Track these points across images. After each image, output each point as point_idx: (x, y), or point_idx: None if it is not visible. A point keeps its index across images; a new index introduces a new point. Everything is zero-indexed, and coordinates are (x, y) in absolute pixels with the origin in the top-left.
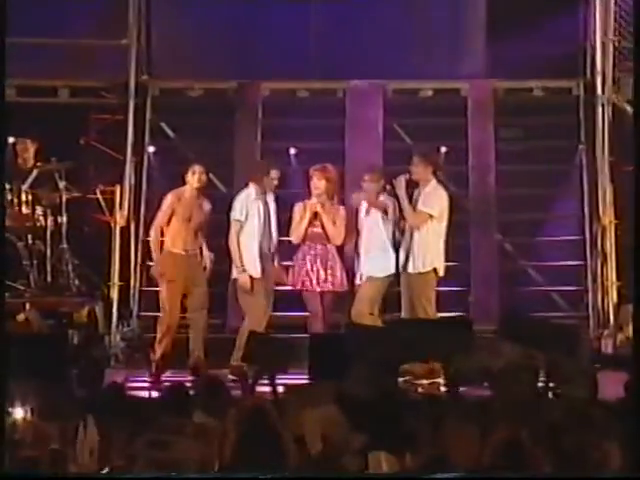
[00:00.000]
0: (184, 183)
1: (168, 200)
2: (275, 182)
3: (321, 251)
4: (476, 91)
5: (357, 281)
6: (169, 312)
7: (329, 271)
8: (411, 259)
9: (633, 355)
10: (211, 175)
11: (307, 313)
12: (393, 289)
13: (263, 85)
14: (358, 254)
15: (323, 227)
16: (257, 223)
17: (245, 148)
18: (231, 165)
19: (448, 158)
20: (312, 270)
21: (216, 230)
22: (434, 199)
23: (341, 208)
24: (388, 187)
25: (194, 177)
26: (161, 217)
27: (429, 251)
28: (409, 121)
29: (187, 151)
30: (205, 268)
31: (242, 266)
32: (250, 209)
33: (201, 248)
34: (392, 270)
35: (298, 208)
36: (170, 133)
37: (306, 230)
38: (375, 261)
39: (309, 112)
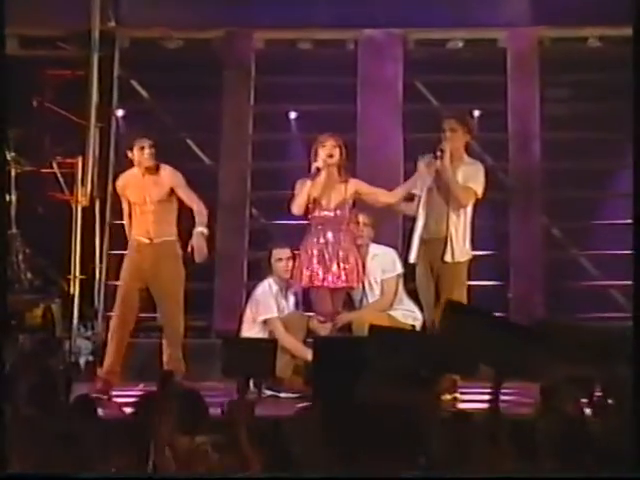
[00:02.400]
0: (131, 164)
1: (117, 189)
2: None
3: (333, 238)
4: (517, 41)
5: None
6: (119, 307)
7: (342, 264)
8: (449, 246)
9: (633, 355)
10: (192, 143)
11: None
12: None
13: (256, 34)
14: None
15: (335, 209)
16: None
17: (235, 112)
18: (217, 132)
19: (482, 124)
20: (321, 262)
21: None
22: (477, 174)
23: (356, 182)
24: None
25: (143, 154)
26: (125, 208)
27: (468, 236)
28: (435, 79)
29: (164, 115)
30: (190, 258)
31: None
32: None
33: (181, 236)
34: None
35: (301, 182)
36: (143, 93)
37: (313, 208)
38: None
39: (313, 68)
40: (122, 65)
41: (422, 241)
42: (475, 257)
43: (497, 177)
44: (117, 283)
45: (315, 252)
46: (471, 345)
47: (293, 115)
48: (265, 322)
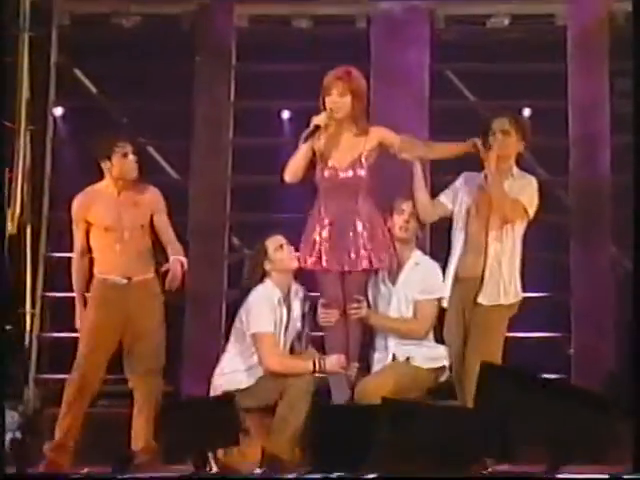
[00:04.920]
0: (101, 175)
1: (73, 210)
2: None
3: (347, 207)
4: (581, 17)
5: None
6: (83, 368)
7: (362, 240)
8: (490, 283)
9: (633, 354)
10: (154, 152)
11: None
12: None
13: (238, 9)
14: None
15: (350, 167)
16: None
17: (210, 110)
18: (187, 137)
19: (534, 126)
20: (328, 239)
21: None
22: (528, 189)
23: (378, 130)
24: None
25: (126, 164)
26: (76, 241)
27: (516, 272)
28: (471, 67)
29: (117, 114)
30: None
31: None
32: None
33: (158, 271)
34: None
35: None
36: (90, 86)
37: (319, 169)
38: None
39: (312, 53)
40: (61, 49)
41: (457, 279)
42: (525, 300)
43: (554, 195)
44: (57, 335)
45: (324, 226)
46: (512, 420)
47: (286, 114)
48: (254, 337)
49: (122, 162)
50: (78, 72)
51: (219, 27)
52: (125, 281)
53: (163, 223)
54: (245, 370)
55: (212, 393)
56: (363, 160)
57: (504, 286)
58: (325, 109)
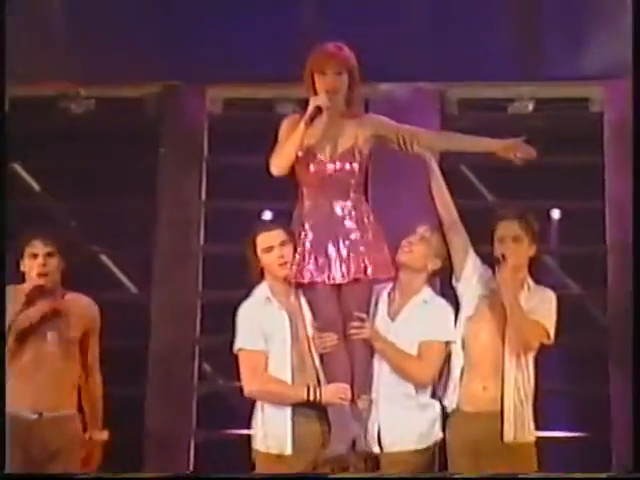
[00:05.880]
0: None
1: None
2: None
3: (338, 207)
4: (620, 101)
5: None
6: None
7: (356, 246)
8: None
9: (633, 354)
10: (108, 260)
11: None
12: None
13: (211, 92)
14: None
15: (341, 160)
16: (288, 351)
17: (176, 212)
18: (149, 244)
19: (563, 230)
20: (313, 246)
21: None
22: (546, 305)
23: (373, 118)
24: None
25: (35, 267)
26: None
27: (529, 407)
28: (489, 160)
29: (64, 216)
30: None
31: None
32: (273, 327)
33: (82, 409)
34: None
35: (289, 121)
36: (31, 183)
37: (305, 162)
38: None
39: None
40: (1, 139)
41: (462, 414)
42: (553, 440)
43: (587, 312)
44: None
45: (308, 230)
46: None
47: (268, 216)
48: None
49: (31, 264)
50: (18, 166)
51: (188, 113)
52: (34, 416)
53: (92, 352)
54: None
55: None
56: (356, 152)
57: (528, 422)
58: (315, 94)
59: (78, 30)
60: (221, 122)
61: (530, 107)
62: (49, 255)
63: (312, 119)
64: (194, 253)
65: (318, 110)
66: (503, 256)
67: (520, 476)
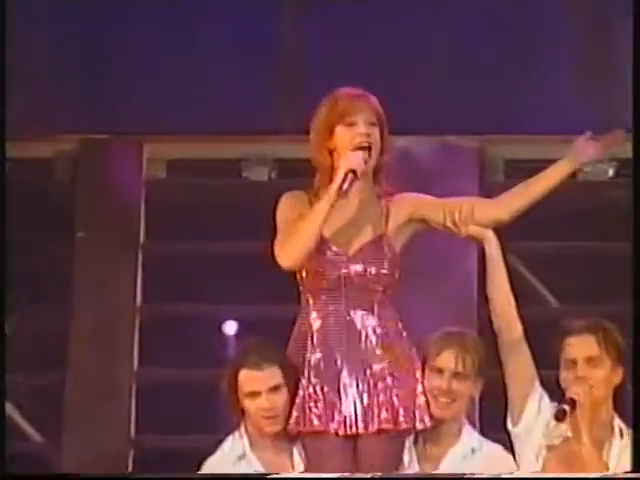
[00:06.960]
0: None
1: None
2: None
3: (348, 330)
4: None
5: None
6: None
7: (380, 384)
8: None
9: (633, 354)
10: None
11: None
12: None
13: (150, 149)
14: None
15: (363, 255)
16: None
17: (101, 321)
18: (63, 367)
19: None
20: (321, 378)
21: None
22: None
23: (406, 196)
24: None
25: None
26: None
27: None
28: (547, 247)
29: None
30: None
31: None
32: None
33: None
34: None
35: (294, 197)
36: None
37: (315, 255)
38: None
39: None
40: None
41: None
42: None
43: None
44: None
45: (312, 354)
46: None
47: (231, 328)
48: None
49: None
50: None
51: (118, 179)
52: None
53: None
54: None
55: None
56: (385, 245)
57: None
58: (330, 155)
59: None
60: (164, 192)
61: (611, 172)
62: None
63: (344, 189)
64: (126, 385)
65: (353, 176)
66: (573, 400)
67: (520, 476)
